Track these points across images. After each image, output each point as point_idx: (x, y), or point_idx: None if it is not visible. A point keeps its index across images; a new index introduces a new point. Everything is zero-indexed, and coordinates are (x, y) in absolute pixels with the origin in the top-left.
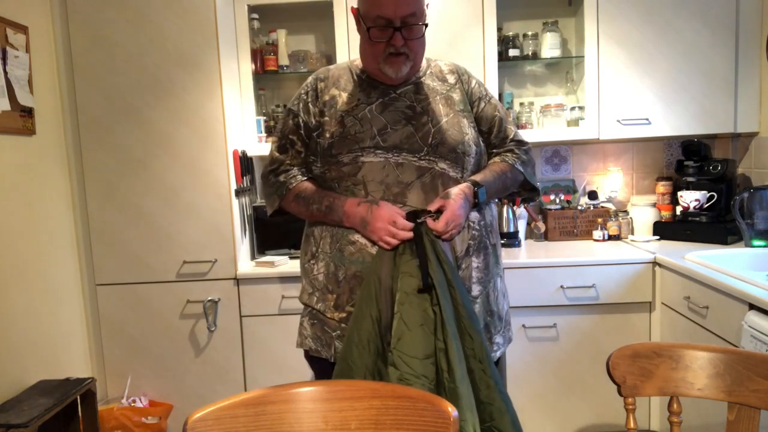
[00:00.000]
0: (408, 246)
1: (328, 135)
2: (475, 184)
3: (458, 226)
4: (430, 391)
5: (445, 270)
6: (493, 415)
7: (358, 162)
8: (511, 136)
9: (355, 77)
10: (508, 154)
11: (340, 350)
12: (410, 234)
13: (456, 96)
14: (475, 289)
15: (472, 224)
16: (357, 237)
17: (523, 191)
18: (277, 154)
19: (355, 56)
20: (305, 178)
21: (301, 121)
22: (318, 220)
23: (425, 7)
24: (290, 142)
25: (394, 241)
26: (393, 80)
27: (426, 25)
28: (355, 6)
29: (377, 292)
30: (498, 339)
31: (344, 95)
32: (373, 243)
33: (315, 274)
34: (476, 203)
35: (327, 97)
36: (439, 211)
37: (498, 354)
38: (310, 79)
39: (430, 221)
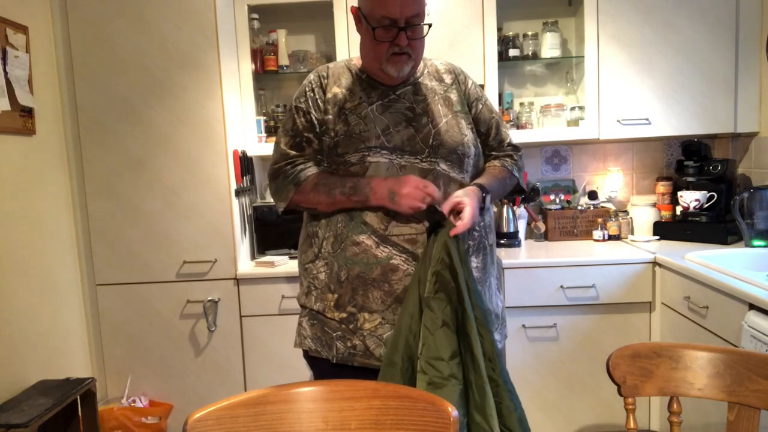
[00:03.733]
0: (431, 250)
1: (332, 134)
2: (483, 189)
3: (470, 224)
4: (461, 392)
5: (462, 266)
6: (501, 413)
7: (365, 162)
8: (508, 140)
9: (355, 76)
10: (507, 159)
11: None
12: (435, 192)
13: (454, 97)
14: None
15: (473, 225)
16: (362, 238)
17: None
18: (292, 152)
19: (355, 56)
20: (320, 169)
21: (313, 117)
22: (339, 207)
23: (426, 5)
24: (307, 140)
25: (423, 205)
26: (393, 80)
27: (429, 26)
28: (356, 5)
29: (413, 305)
30: (496, 336)
31: (346, 93)
32: (377, 243)
33: (315, 273)
34: (481, 208)
35: (330, 95)
36: (454, 212)
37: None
38: (312, 75)
39: (452, 218)
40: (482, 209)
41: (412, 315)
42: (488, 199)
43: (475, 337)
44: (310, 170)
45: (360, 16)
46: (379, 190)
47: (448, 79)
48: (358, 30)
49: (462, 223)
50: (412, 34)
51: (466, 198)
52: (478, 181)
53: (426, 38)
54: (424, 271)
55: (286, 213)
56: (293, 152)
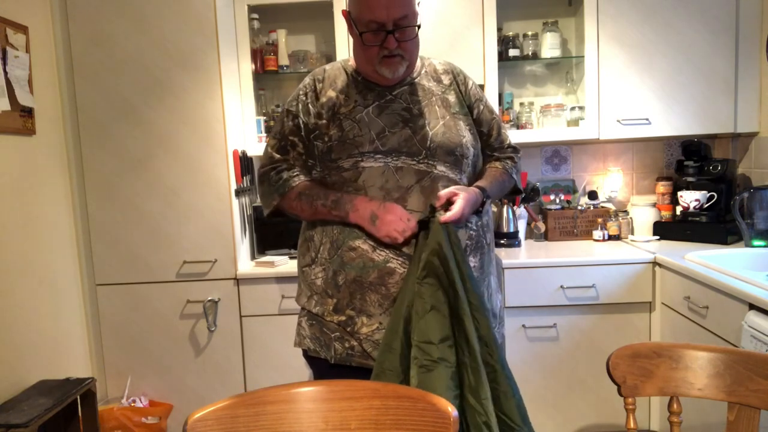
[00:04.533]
0: (423, 238)
1: (326, 138)
2: (484, 192)
3: (463, 209)
4: (453, 375)
5: (454, 252)
6: (498, 399)
7: (359, 167)
8: (508, 142)
9: (351, 78)
10: (508, 161)
11: (376, 357)
12: (415, 228)
13: (452, 98)
14: None
15: (469, 224)
16: (358, 243)
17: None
18: (277, 155)
19: (353, 56)
20: (307, 178)
21: (301, 122)
22: (320, 218)
23: (417, 7)
24: (291, 143)
25: (401, 238)
26: (389, 81)
27: (419, 26)
28: (347, 9)
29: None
30: None
31: (341, 97)
32: (373, 247)
33: (313, 278)
34: (479, 211)
35: (324, 99)
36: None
37: None
38: (307, 79)
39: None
40: (480, 212)
41: (410, 302)
42: (488, 202)
43: (469, 321)
44: (295, 179)
45: (350, 19)
46: (361, 210)
47: (446, 79)
48: (350, 33)
49: (451, 213)
50: (401, 36)
51: (462, 192)
52: (479, 183)
53: (425, 38)
54: (418, 260)
55: (271, 216)
56: (277, 156)
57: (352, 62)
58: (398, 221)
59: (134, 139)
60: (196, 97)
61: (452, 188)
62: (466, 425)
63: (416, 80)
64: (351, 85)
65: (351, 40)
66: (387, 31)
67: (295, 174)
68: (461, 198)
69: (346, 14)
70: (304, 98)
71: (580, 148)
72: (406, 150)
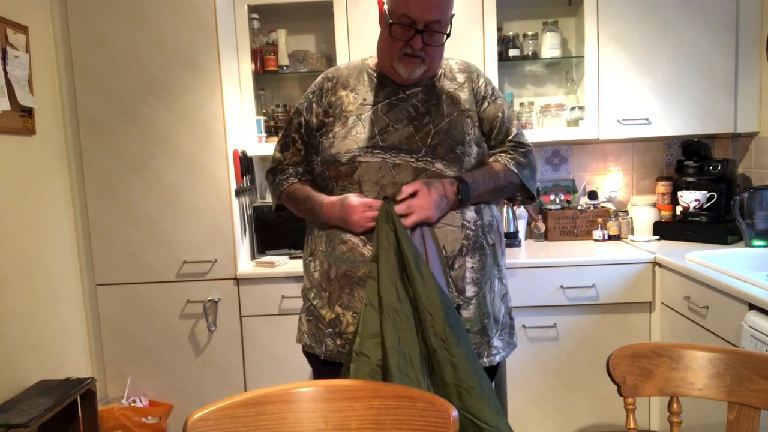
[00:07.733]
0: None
1: (330, 135)
2: (460, 180)
3: (425, 214)
4: (371, 371)
5: (402, 249)
6: (461, 397)
7: (355, 162)
8: (511, 137)
9: (366, 76)
10: (502, 154)
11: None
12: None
13: (463, 95)
14: (470, 290)
15: (467, 224)
16: (349, 237)
17: (521, 195)
18: (278, 154)
19: (355, 56)
20: (296, 180)
21: (303, 120)
22: (309, 219)
23: (451, 16)
24: (292, 140)
25: (374, 223)
26: (403, 80)
27: (448, 35)
28: None
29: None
30: (496, 342)
31: (351, 96)
32: (364, 242)
33: (312, 271)
34: (460, 200)
35: (333, 98)
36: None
37: (497, 359)
38: (319, 77)
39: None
40: (462, 201)
41: (396, 287)
42: (464, 188)
43: (386, 320)
44: (284, 183)
45: (383, 9)
46: (332, 218)
47: (460, 78)
48: (380, 22)
49: (400, 207)
50: (428, 39)
51: (424, 188)
52: (460, 174)
53: (444, 47)
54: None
55: (279, 209)
56: (278, 155)
57: (370, 60)
58: (363, 215)
59: (134, 139)
60: (195, 96)
61: (418, 181)
62: None
63: (433, 81)
64: (365, 83)
65: (351, 40)
66: (416, 30)
67: (285, 177)
68: (417, 196)
69: (381, 3)
70: (310, 96)
71: (580, 148)
72: (406, 147)
